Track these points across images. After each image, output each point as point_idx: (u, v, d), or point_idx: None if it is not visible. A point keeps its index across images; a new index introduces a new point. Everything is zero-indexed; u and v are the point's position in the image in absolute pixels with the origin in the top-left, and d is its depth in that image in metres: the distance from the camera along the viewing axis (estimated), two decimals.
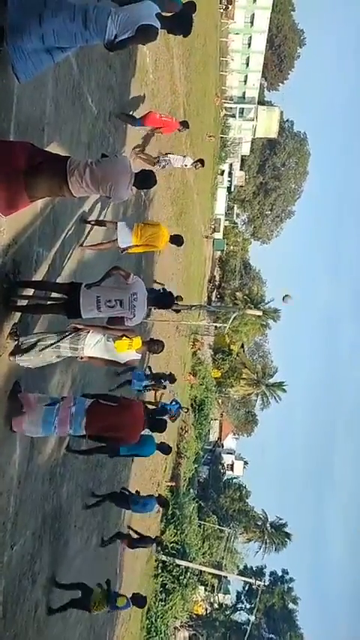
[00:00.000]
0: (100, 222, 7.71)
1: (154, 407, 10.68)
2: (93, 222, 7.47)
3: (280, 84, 71.50)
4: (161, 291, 9.97)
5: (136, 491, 10.34)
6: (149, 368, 12.19)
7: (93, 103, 7.11)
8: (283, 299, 15.22)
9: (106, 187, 4.29)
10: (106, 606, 7.60)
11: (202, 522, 33.54)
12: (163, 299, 7.42)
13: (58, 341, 4.93)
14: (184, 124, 11.63)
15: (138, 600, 8.63)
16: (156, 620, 19.91)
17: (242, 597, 46.44)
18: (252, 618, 40.38)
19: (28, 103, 4.81)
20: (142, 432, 6.17)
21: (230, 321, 32.36)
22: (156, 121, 10.28)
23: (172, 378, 12.51)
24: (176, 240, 8.87)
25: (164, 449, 8.47)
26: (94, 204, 7.63)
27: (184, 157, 12.20)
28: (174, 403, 12.71)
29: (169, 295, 7.68)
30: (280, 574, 49.88)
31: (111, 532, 10.50)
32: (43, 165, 3.97)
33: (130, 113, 9.63)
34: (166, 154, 11.93)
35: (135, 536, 11.16)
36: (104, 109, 7.83)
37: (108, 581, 7.87)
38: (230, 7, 46.79)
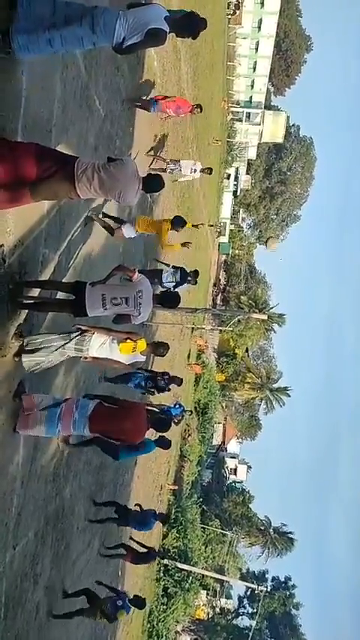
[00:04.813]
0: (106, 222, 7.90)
1: (156, 409, 10.58)
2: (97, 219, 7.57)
3: (286, 89, 71.58)
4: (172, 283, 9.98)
5: (137, 505, 10.28)
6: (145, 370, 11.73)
7: (100, 105, 7.13)
8: (266, 243, 12.90)
9: (114, 194, 4.28)
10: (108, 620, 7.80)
11: (205, 526, 33.43)
12: (169, 299, 7.42)
13: (64, 344, 4.93)
14: (199, 106, 11.46)
15: (138, 602, 8.76)
16: (157, 624, 19.84)
17: (244, 602, 46.26)
18: (254, 623, 40.19)
19: (36, 104, 4.83)
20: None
21: (232, 322, 32.24)
22: (168, 102, 10.33)
23: (178, 381, 12.17)
24: (177, 222, 9.00)
25: (164, 443, 7.99)
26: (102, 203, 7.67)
27: (194, 162, 12.14)
28: (177, 407, 12.60)
29: (175, 296, 7.66)
30: (282, 580, 49.64)
31: (113, 535, 10.50)
32: (51, 173, 3.95)
33: (144, 98, 9.75)
34: (177, 160, 11.85)
35: (140, 549, 11.04)
36: (112, 111, 7.86)
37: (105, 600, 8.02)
38: (238, 12, 46.93)
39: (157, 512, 10.24)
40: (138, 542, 11.27)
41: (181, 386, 12.59)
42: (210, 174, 12.94)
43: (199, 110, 11.58)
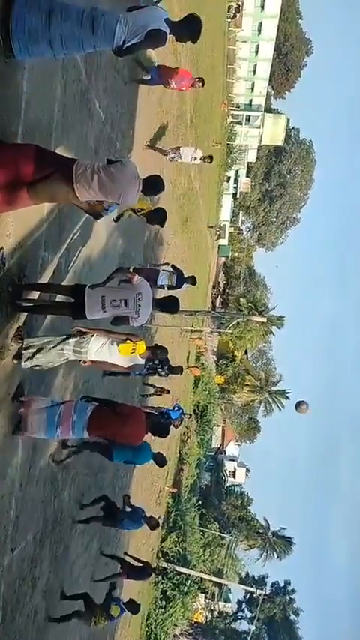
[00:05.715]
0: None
1: (155, 413, 10.53)
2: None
3: (286, 92, 71.70)
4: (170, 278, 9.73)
5: (126, 496, 9.87)
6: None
7: (100, 108, 7.14)
8: (297, 407, 10.32)
9: (114, 195, 4.28)
10: (103, 620, 7.71)
11: (204, 529, 33.35)
12: (168, 305, 7.41)
13: (62, 342, 4.93)
14: (201, 80, 10.96)
15: (132, 607, 8.66)
16: (155, 628, 19.79)
17: (243, 606, 46.11)
18: (252, 627, 40.07)
19: (37, 107, 4.84)
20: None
21: (231, 325, 32.23)
22: (171, 73, 9.86)
23: (178, 371, 11.40)
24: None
25: (160, 460, 7.62)
26: None
27: (195, 149, 11.99)
28: (176, 410, 12.59)
29: (174, 301, 7.67)
30: (282, 584, 49.47)
31: (111, 538, 10.46)
32: (49, 174, 3.96)
33: (143, 77, 9.45)
34: (177, 147, 11.68)
35: (135, 563, 10.76)
36: (112, 114, 7.87)
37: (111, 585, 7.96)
38: (238, 15, 47.07)
39: (148, 516, 9.79)
40: (133, 557, 11.15)
41: (181, 388, 12.58)
42: (211, 162, 12.82)
43: (201, 84, 11.03)
